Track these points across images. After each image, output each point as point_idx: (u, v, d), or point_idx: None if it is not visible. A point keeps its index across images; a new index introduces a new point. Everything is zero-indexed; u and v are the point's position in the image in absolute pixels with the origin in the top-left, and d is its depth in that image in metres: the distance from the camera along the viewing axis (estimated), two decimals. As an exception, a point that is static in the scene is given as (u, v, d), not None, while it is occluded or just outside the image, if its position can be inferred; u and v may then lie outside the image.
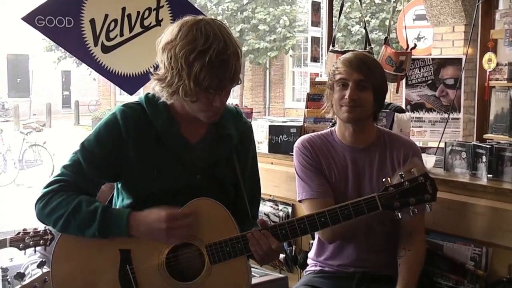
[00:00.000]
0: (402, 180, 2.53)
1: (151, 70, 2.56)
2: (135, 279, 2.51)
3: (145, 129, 2.53)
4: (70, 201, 2.47)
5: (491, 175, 3.21)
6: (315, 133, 3.25)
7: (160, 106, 2.55)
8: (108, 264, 2.51)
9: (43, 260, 3.37)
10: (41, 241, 3.35)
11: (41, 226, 3.42)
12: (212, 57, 2.28)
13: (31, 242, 3.34)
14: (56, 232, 3.31)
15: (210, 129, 2.64)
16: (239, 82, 2.44)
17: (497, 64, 6.40)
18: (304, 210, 3.11)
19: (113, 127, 2.54)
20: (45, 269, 3.26)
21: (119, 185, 2.67)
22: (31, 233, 3.36)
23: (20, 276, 3.25)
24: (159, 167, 2.54)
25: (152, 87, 2.50)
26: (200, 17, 2.42)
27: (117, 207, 2.68)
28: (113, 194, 2.77)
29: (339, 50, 5.25)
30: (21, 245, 3.35)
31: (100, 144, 2.54)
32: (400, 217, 2.58)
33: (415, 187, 2.53)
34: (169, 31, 2.40)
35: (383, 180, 2.57)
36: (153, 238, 2.48)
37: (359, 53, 3.08)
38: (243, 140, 2.75)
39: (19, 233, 3.40)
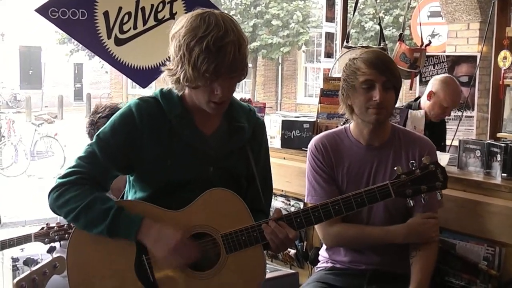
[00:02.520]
0: (413, 168, 2.56)
1: (166, 62, 2.58)
2: (151, 269, 2.52)
3: (160, 122, 2.55)
4: (83, 196, 2.48)
5: (505, 174, 3.19)
6: (329, 132, 3.23)
7: (174, 99, 2.58)
8: (124, 254, 2.51)
9: (53, 246, 3.37)
10: (66, 235, 3.36)
11: (64, 221, 3.44)
12: (209, 42, 2.33)
13: (56, 236, 3.36)
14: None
15: (224, 121, 2.66)
16: (244, 74, 2.47)
17: (512, 62, 6.35)
18: None
19: (128, 119, 2.55)
20: (55, 254, 3.26)
21: (132, 178, 2.67)
22: (55, 227, 3.38)
23: (30, 262, 3.26)
24: (173, 158, 2.55)
25: (163, 78, 2.55)
26: (210, 9, 2.45)
27: (130, 199, 2.70)
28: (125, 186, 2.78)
29: (353, 46, 5.24)
30: (46, 239, 3.37)
31: (115, 135, 2.55)
32: (411, 205, 2.61)
33: (426, 174, 2.56)
34: (178, 21, 2.47)
35: (395, 168, 2.60)
36: (155, 247, 2.48)
37: (378, 52, 3.05)
38: (256, 135, 2.75)
39: (42, 228, 3.42)
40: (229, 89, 2.47)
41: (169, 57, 2.53)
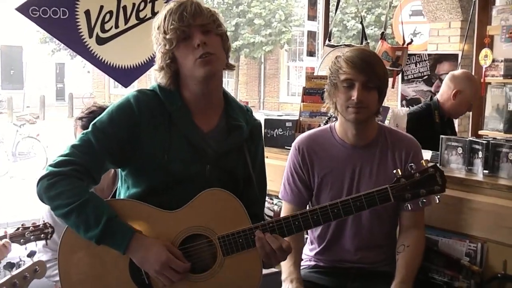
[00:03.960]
0: (412, 171, 2.53)
1: (148, 62, 2.62)
2: (146, 271, 2.48)
3: (158, 114, 2.54)
4: (77, 193, 2.42)
5: (487, 171, 3.21)
6: (314, 131, 3.24)
7: (174, 93, 2.59)
8: (118, 255, 2.46)
9: (33, 250, 3.34)
10: (42, 235, 3.31)
11: (40, 220, 3.40)
12: (172, 8, 2.51)
13: (32, 237, 3.31)
14: (55, 223, 3.30)
15: (222, 120, 2.65)
16: (221, 30, 2.57)
17: (493, 60, 6.41)
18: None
19: (126, 109, 2.53)
20: (36, 258, 3.23)
21: (124, 173, 2.63)
22: (30, 227, 3.33)
23: (10, 266, 3.23)
24: (170, 153, 2.52)
25: (155, 78, 2.58)
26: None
27: (122, 196, 2.66)
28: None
29: (335, 44, 5.24)
30: (21, 240, 3.32)
31: (113, 124, 2.52)
32: (410, 208, 2.60)
33: (426, 178, 2.53)
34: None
35: (394, 171, 2.57)
36: (144, 267, 2.46)
37: (362, 51, 3.01)
38: (253, 137, 2.75)
39: (18, 228, 3.36)
40: (210, 42, 2.50)
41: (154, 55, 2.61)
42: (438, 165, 2.62)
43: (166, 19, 2.48)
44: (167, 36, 2.47)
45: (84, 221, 2.41)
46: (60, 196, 2.42)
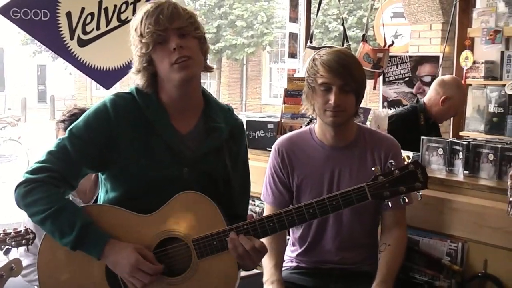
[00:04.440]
0: (392, 168, 2.50)
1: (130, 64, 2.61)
2: (119, 275, 2.48)
3: (135, 118, 2.53)
4: (52, 200, 2.43)
5: (467, 172, 3.24)
6: (294, 133, 3.25)
7: (150, 95, 2.57)
8: (95, 261, 2.46)
9: (9, 247, 3.31)
10: (23, 241, 3.28)
11: (21, 226, 3.37)
12: (149, 10, 2.47)
13: (13, 243, 3.27)
14: (36, 228, 3.28)
15: (201, 121, 2.64)
16: (199, 33, 2.55)
17: (474, 62, 6.47)
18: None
19: (103, 115, 2.53)
20: (12, 256, 3.21)
21: (103, 177, 2.63)
22: (12, 233, 3.30)
23: None
24: (147, 156, 2.51)
25: (134, 81, 2.56)
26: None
27: (101, 200, 2.66)
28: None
29: (317, 46, 5.26)
30: (1, 246, 3.29)
31: (89, 130, 2.51)
32: (390, 206, 2.58)
33: (406, 175, 2.50)
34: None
35: (373, 168, 2.54)
36: (116, 271, 2.46)
37: (338, 54, 2.97)
38: (234, 136, 2.73)
39: None
40: (186, 45, 2.48)
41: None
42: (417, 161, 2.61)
43: (143, 22, 2.46)
44: (143, 40, 2.46)
45: (59, 228, 2.42)
46: (36, 203, 2.43)
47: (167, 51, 2.46)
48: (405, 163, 2.52)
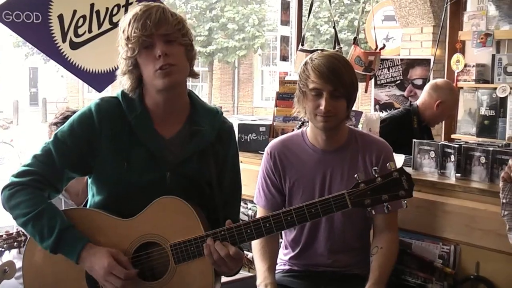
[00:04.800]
0: (376, 175, 2.43)
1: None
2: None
3: (119, 123, 2.54)
4: (34, 203, 2.45)
5: (459, 174, 3.25)
6: (286, 136, 3.26)
7: (135, 101, 2.57)
8: (75, 264, 2.47)
9: (1, 250, 3.30)
10: (15, 243, 3.27)
11: (13, 228, 3.36)
12: (137, 13, 2.46)
13: (5, 245, 3.26)
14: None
15: (185, 125, 2.63)
16: (187, 40, 2.53)
17: (465, 65, 6.49)
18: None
19: (87, 120, 2.54)
20: (5, 259, 3.20)
21: (90, 180, 2.65)
22: (3, 235, 3.29)
23: None
24: (130, 161, 2.52)
25: (120, 84, 2.57)
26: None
27: (89, 204, 2.67)
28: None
29: (308, 49, 5.26)
30: None
31: (73, 135, 2.53)
32: (374, 213, 2.52)
33: (389, 182, 2.40)
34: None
35: (355, 176, 2.46)
36: (92, 274, 2.47)
37: (329, 59, 2.95)
38: (222, 140, 2.71)
39: None
40: (172, 52, 2.46)
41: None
42: (406, 168, 2.57)
43: (130, 25, 2.45)
44: (129, 44, 2.45)
45: (39, 231, 2.45)
46: (19, 206, 2.46)
47: (152, 56, 2.45)
48: (389, 169, 2.43)
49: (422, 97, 4.91)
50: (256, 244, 3.08)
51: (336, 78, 2.87)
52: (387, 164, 2.45)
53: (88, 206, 2.69)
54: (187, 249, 2.47)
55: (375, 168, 2.46)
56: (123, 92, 2.60)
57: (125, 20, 2.50)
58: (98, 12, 4.23)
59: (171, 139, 2.59)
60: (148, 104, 2.58)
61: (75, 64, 4.22)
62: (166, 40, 2.46)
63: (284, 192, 3.12)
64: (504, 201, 2.63)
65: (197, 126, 2.63)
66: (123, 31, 2.49)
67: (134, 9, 2.49)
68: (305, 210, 2.48)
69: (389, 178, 2.41)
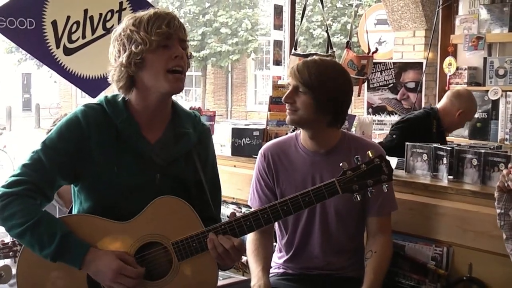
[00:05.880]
0: (358, 163, 2.57)
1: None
2: (101, 283, 2.48)
3: (105, 128, 2.54)
4: (30, 212, 2.43)
5: (451, 177, 3.27)
6: (279, 139, 3.29)
7: (119, 106, 2.59)
8: (76, 270, 2.46)
9: None
10: (10, 252, 3.26)
11: (8, 238, 3.36)
12: (158, 13, 2.50)
13: (1, 255, 3.25)
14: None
15: (169, 129, 2.66)
16: (190, 54, 2.61)
17: (457, 68, 6.55)
18: None
19: (75, 125, 2.54)
20: (1, 263, 3.20)
21: (76, 188, 2.64)
22: None
23: None
24: (119, 165, 2.53)
25: (113, 90, 2.59)
26: None
27: (76, 211, 2.66)
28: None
29: (301, 53, 5.29)
30: None
31: (62, 141, 2.53)
32: (359, 199, 2.59)
33: (372, 168, 2.56)
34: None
35: (340, 164, 2.59)
36: (98, 279, 2.47)
37: (307, 60, 3.06)
38: (202, 141, 2.76)
39: None
40: (183, 58, 2.53)
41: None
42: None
43: (151, 21, 2.46)
44: (152, 37, 2.44)
45: (39, 240, 2.42)
46: (13, 217, 2.43)
47: (167, 55, 2.48)
48: (371, 157, 2.58)
49: (443, 103, 4.94)
50: (250, 246, 3.10)
51: (301, 74, 2.97)
52: (367, 152, 2.59)
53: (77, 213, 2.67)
54: (190, 246, 2.50)
55: (357, 156, 2.58)
56: (106, 98, 2.62)
57: (136, 18, 2.51)
58: (91, 18, 4.24)
59: (156, 143, 2.61)
60: (135, 108, 2.59)
61: (69, 70, 4.23)
62: (181, 46, 2.53)
63: (277, 193, 3.15)
64: (501, 211, 2.63)
65: (182, 128, 2.67)
66: (137, 26, 2.47)
67: (147, 12, 2.51)
68: (299, 199, 2.56)
69: (372, 165, 2.58)
